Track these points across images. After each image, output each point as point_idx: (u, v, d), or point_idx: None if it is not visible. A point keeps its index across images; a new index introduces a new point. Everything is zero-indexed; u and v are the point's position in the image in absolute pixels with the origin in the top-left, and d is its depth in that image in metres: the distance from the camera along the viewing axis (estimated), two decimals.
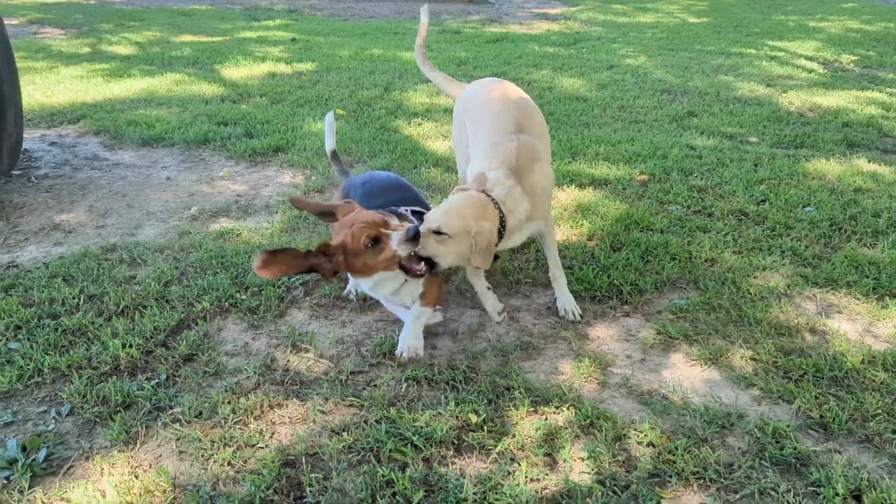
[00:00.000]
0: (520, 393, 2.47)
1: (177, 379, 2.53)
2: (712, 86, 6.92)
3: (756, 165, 4.68)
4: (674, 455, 2.19)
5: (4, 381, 2.45)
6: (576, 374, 2.62)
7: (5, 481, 2.05)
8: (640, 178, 4.47)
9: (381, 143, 5.08)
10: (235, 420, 2.32)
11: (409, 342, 2.71)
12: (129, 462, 2.13)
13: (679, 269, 3.35)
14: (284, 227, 3.75)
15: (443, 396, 2.46)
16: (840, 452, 2.21)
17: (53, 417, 2.32)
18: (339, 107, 6.05)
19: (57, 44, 8.56)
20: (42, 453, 2.14)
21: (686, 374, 2.63)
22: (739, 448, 2.24)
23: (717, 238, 3.65)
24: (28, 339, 2.70)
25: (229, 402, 2.39)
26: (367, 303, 3.07)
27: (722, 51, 8.80)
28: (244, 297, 3.05)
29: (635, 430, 2.31)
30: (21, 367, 2.53)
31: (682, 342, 2.82)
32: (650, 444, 2.25)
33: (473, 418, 2.33)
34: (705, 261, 3.43)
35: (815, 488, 2.07)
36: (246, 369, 2.59)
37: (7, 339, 2.69)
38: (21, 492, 2.01)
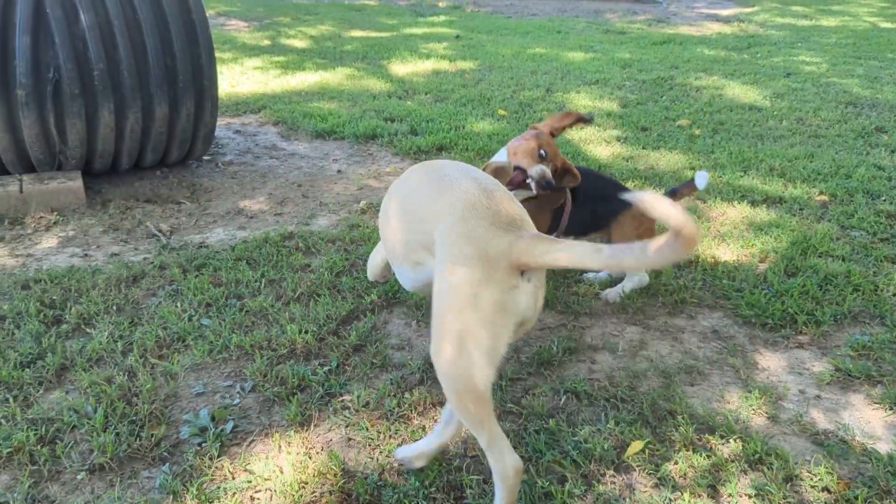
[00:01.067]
0: (683, 418, 2.40)
1: (347, 367, 2.68)
2: None
3: None
4: None
5: (197, 355, 2.70)
6: (744, 404, 2.51)
7: (198, 447, 2.26)
8: (820, 199, 4.19)
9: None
10: (400, 413, 2.42)
11: None
12: (303, 443, 2.28)
13: (863, 301, 3.12)
14: None
15: (602, 413, 2.44)
16: None
17: (238, 392, 2.52)
18: (501, 107, 6.10)
19: (241, 35, 9.22)
20: (229, 425, 2.34)
21: (868, 418, 2.45)
22: None
23: None
24: (217, 316, 2.95)
25: (395, 396, 2.50)
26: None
27: None
28: (410, 294, 3.17)
29: (808, 472, 2.19)
30: (211, 342, 2.77)
31: (863, 382, 2.63)
32: (825, 489, 2.12)
33: (635, 442, 2.29)
34: (894, 295, 3.17)
35: None
36: (410, 364, 2.69)
37: (200, 315, 2.95)
38: (211, 458, 2.21)
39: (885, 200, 4.15)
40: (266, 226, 3.88)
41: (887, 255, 3.51)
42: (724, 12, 11.94)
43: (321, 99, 6.30)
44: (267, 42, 8.88)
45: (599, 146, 5.10)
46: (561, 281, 3.29)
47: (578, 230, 3.10)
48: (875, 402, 2.52)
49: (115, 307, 3.01)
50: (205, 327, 2.87)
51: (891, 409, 2.48)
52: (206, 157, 4.86)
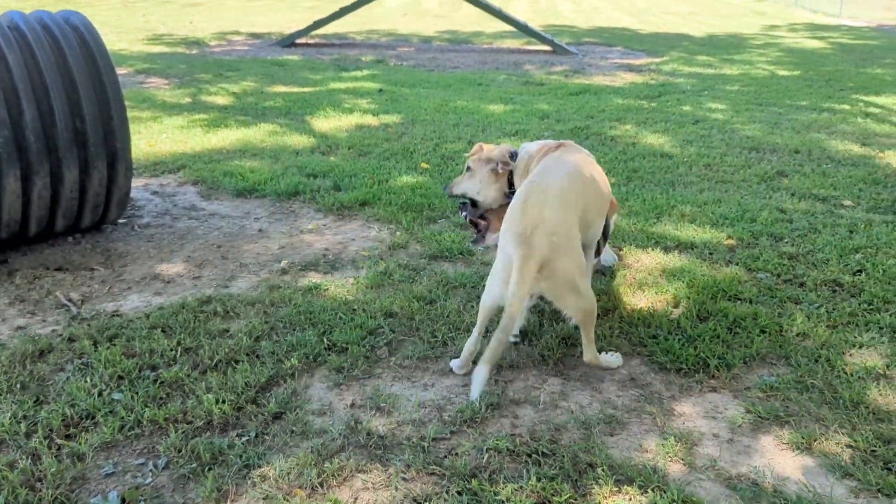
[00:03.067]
0: (603, 470, 2.44)
1: (266, 437, 2.62)
2: (803, 144, 6.74)
3: (851, 232, 4.51)
4: None
5: (107, 432, 2.59)
6: (661, 452, 2.57)
7: None
8: (728, 243, 4.38)
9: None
10: (321, 482, 2.38)
11: None
12: None
13: (769, 343, 3.26)
14: (370, 284, 3.85)
15: (524, 470, 2.45)
16: None
17: (150, 470, 2.43)
18: (424, 160, 6.19)
19: (161, 93, 9.11)
20: None
21: (777, 459, 2.54)
22: None
23: (810, 310, 3.53)
24: (129, 389, 2.85)
25: (315, 465, 2.45)
26: (447, 367, 3.10)
27: (814, 106, 8.57)
28: (331, 355, 3.14)
29: None
30: (122, 417, 2.67)
31: (772, 423, 2.73)
32: None
33: (556, 498, 2.31)
34: (797, 335, 3.32)
35: None
36: (331, 430, 2.65)
37: (111, 390, 2.85)
38: None
39: (787, 243, 4.37)
40: (183, 290, 3.80)
41: (790, 296, 3.69)
42: (636, 62, 12.49)
43: (243, 156, 6.26)
44: (188, 99, 8.80)
45: None
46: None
47: None
48: (783, 443, 2.62)
49: (18, 385, 2.87)
50: (116, 402, 2.76)
51: (798, 449, 2.58)
52: (121, 221, 4.74)
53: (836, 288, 3.80)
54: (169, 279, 3.94)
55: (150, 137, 6.83)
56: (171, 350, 3.13)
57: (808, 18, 21.15)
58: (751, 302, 3.64)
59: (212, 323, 3.40)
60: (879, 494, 2.34)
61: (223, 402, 2.76)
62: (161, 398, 2.81)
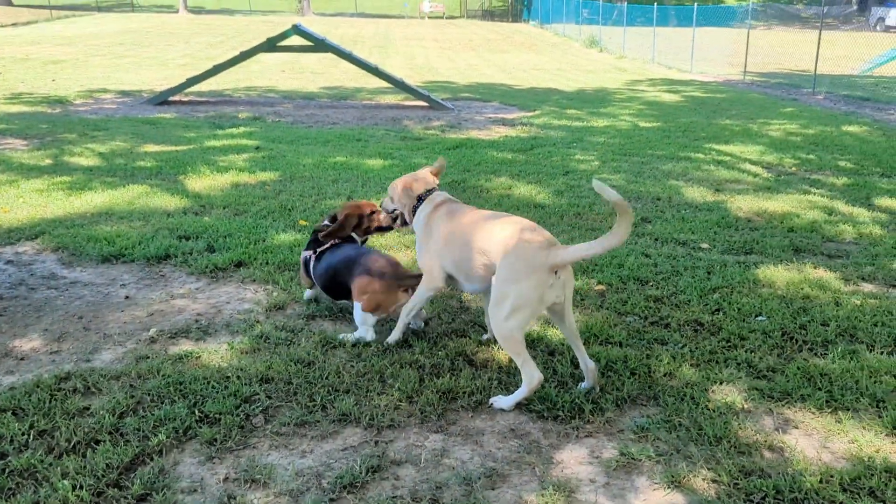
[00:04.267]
0: None
1: None
2: (664, 191, 7.20)
3: (709, 273, 4.83)
4: None
5: None
6: (540, 502, 2.59)
7: None
8: (599, 288, 4.57)
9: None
10: None
11: None
12: None
13: (639, 384, 3.39)
14: (245, 349, 3.72)
15: None
16: None
17: None
18: (302, 217, 6.12)
19: (18, 156, 8.59)
20: None
21: (650, 499, 2.62)
22: None
23: (675, 350, 3.72)
24: None
25: None
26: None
27: (672, 155, 9.19)
28: (203, 427, 2.99)
29: None
30: None
31: (644, 463, 2.83)
32: None
33: None
34: (664, 375, 3.48)
35: None
36: None
37: None
38: None
39: (652, 286, 4.61)
40: (39, 367, 3.53)
41: (657, 338, 3.87)
42: (510, 115, 13.01)
43: (109, 220, 5.97)
44: (49, 161, 8.34)
45: (400, 251, 5.24)
46: (363, 395, 3.27)
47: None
48: (656, 483, 2.71)
49: None
50: None
51: (669, 487, 2.68)
52: None
53: (698, 327, 4.03)
54: (22, 356, 3.65)
55: (4, 203, 6.39)
56: (23, 434, 2.89)
57: (664, 74, 22.82)
58: (621, 345, 3.79)
59: (70, 401, 3.16)
60: None
61: (81, 487, 2.56)
62: (10, 489, 2.57)
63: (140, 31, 34.08)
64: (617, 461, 2.84)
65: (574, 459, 2.87)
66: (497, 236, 3.24)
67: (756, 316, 4.14)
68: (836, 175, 8.14)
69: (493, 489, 2.68)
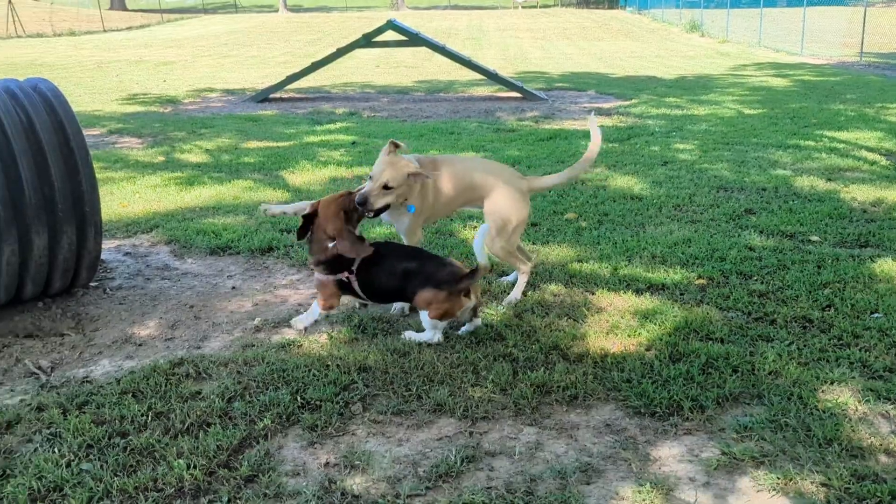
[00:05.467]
0: None
1: (238, 502, 2.57)
2: (770, 181, 6.88)
3: (819, 267, 4.59)
4: None
5: None
6: (637, 499, 2.56)
7: None
8: (699, 282, 4.43)
9: (437, 248, 5.19)
10: None
11: None
12: None
13: (742, 382, 3.28)
14: (344, 338, 3.83)
15: None
16: None
17: None
18: None
19: (134, 154, 9.13)
20: None
21: (753, 501, 2.53)
22: None
23: (781, 348, 3.57)
24: (99, 458, 2.80)
25: None
26: (407, 408, 3.07)
27: (779, 143, 8.77)
28: (305, 413, 3.11)
29: None
30: (91, 489, 2.61)
31: (748, 464, 2.73)
32: None
33: None
34: (769, 373, 3.34)
35: None
36: (305, 492, 2.61)
37: (80, 459, 2.79)
38: None
39: (756, 280, 4.43)
40: (155, 353, 3.76)
41: (761, 334, 3.72)
42: (606, 105, 12.76)
43: (216, 214, 6.27)
44: (161, 158, 8.83)
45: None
46: (457, 386, 3.31)
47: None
48: (760, 485, 2.62)
49: None
50: (85, 473, 2.71)
51: (774, 490, 2.58)
52: (92, 284, 4.70)
53: (807, 324, 3.85)
54: (140, 342, 3.90)
55: (122, 198, 6.82)
56: (142, 415, 3.09)
57: (770, 57, 21.77)
58: (722, 341, 3.67)
59: (183, 385, 3.36)
60: None
61: (194, 467, 2.72)
62: (131, 466, 2.76)
63: (243, 32, 35.50)
64: (718, 461, 2.75)
65: (672, 457, 2.81)
66: None
67: (872, 313, 3.90)
68: None
69: (588, 484, 2.66)
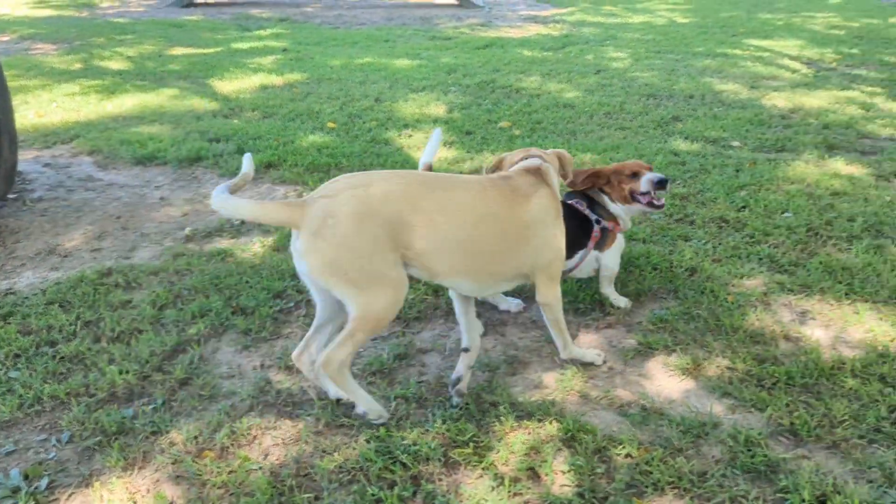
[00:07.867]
0: (504, 408, 2.56)
1: (173, 403, 2.62)
2: (697, 89, 7.02)
3: (737, 171, 4.77)
4: (650, 466, 2.29)
5: (5, 411, 2.54)
6: (559, 387, 2.72)
7: None
8: None
9: (371, 155, 5.17)
10: (231, 442, 2.42)
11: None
12: (126, 488, 2.22)
13: (660, 279, 3.45)
14: (277, 247, 3.84)
15: (430, 414, 2.56)
16: (808, 458, 2.31)
17: (54, 445, 2.41)
18: (331, 119, 6.13)
19: (49, 60, 8.64)
20: (44, 481, 2.24)
21: (664, 385, 2.73)
22: (713, 457, 2.33)
23: (698, 246, 3.75)
24: (27, 367, 2.79)
25: (224, 426, 2.49)
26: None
27: (708, 52, 8.89)
28: (238, 319, 3.14)
29: (614, 442, 2.41)
30: (21, 395, 2.62)
31: (661, 352, 2.92)
32: (628, 455, 2.35)
33: (460, 437, 2.42)
34: (685, 270, 3.52)
35: (783, 494, 2.17)
36: (240, 392, 2.68)
37: (7, 368, 2.78)
38: None
39: (679, 184, 4.59)
40: (82, 264, 3.70)
41: (681, 234, 3.89)
42: (543, 13, 12.60)
43: (141, 123, 6.05)
44: (79, 66, 8.38)
45: None
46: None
47: None
48: (671, 370, 2.81)
49: None
50: (13, 380, 2.71)
51: (683, 374, 2.77)
52: (10, 196, 4.54)
53: (723, 224, 4.04)
54: (66, 253, 3.83)
55: (39, 107, 6.50)
56: (70, 325, 3.07)
57: None
58: (644, 242, 3.83)
59: (113, 295, 3.34)
60: (753, 409, 2.56)
61: (127, 372, 2.74)
62: (61, 373, 2.76)
63: None
64: (635, 350, 2.93)
65: (593, 348, 2.96)
66: None
67: (782, 212, 4.12)
68: (879, 70, 7.82)
69: (513, 375, 2.80)
